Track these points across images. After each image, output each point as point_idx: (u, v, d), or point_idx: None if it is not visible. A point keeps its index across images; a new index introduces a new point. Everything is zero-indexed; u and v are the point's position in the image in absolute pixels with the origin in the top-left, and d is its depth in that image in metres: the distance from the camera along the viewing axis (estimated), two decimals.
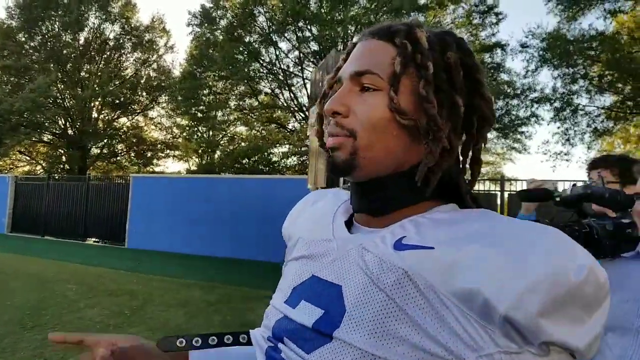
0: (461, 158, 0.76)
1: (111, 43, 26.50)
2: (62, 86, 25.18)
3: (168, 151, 28.38)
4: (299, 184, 10.97)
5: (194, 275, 9.32)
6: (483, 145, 0.76)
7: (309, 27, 20.87)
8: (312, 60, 21.27)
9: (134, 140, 27.48)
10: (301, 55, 21.74)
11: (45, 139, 25.98)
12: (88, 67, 26.25)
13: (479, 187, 11.02)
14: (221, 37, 21.29)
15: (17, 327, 5.43)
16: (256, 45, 21.64)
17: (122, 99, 26.15)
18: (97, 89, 24.36)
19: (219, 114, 24.30)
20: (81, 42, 25.70)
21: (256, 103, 23.91)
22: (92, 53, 26.04)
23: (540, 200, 1.74)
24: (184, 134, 26.28)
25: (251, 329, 0.83)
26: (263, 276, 9.46)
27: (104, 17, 25.70)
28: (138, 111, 27.75)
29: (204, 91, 22.80)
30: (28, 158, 27.41)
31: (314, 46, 21.42)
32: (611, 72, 17.09)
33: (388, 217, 0.71)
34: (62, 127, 25.75)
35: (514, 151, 22.63)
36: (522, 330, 0.53)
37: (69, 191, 16.19)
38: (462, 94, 0.69)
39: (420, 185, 0.69)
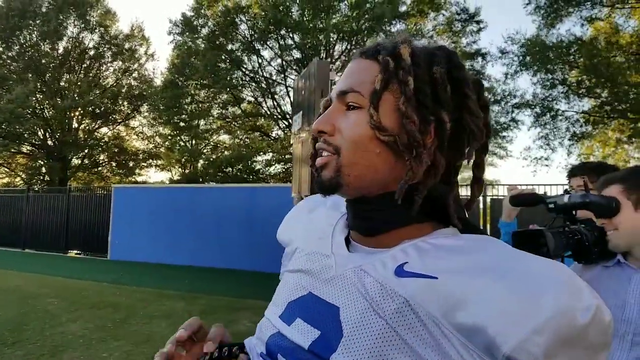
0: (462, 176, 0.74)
1: (91, 52, 26.27)
2: (41, 96, 24.84)
3: (150, 161, 28.13)
4: (282, 192, 10.97)
5: (178, 286, 9.26)
6: (480, 162, 0.74)
7: (291, 35, 20.95)
8: (294, 68, 21.33)
9: (116, 150, 27.19)
10: (284, 63, 21.80)
11: (24, 150, 25.59)
12: (67, 76, 25.94)
13: (460, 191, 11.11)
14: (203, 46, 21.25)
15: None
16: (238, 54, 21.65)
17: (102, 108, 25.90)
18: (77, 98, 24.09)
19: (202, 122, 24.20)
20: (60, 51, 25.41)
21: (239, 111, 23.88)
22: (72, 62, 25.74)
23: (530, 205, 1.74)
24: (167, 143, 26.09)
25: (237, 340, 0.82)
26: (248, 285, 9.46)
27: (82, 26, 25.46)
28: (119, 121, 27.48)
29: (186, 100, 22.68)
30: (7, 170, 26.97)
31: (297, 54, 21.50)
32: (589, 77, 17.43)
33: (384, 238, 0.70)
34: (42, 137, 25.40)
35: (495, 156, 22.88)
36: None
37: (50, 203, 15.98)
38: (449, 109, 0.67)
39: (407, 205, 0.67)
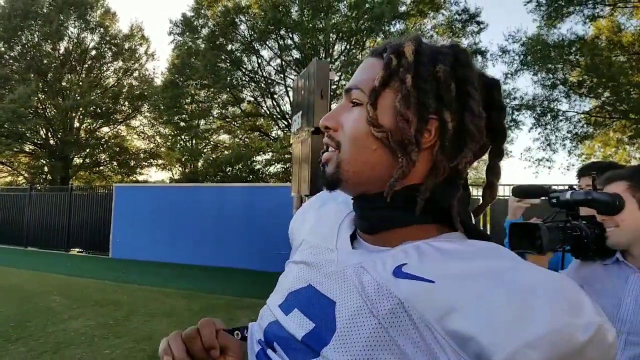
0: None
1: (92, 52, 26.34)
2: (43, 96, 24.92)
3: (151, 160, 28.23)
4: (282, 191, 11.04)
5: (178, 284, 9.33)
6: (494, 166, 0.72)
7: (290, 35, 20.98)
8: (294, 68, 21.34)
9: (117, 150, 27.26)
10: (283, 63, 21.81)
11: (26, 149, 25.68)
12: (69, 76, 26.03)
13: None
14: (203, 46, 21.28)
15: (0, 339, 5.44)
16: (238, 54, 21.68)
17: (103, 108, 25.99)
18: (78, 98, 24.18)
19: (202, 122, 24.25)
20: (61, 51, 25.50)
21: (239, 111, 23.93)
22: (73, 63, 25.82)
23: (535, 196, 1.76)
24: (167, 142, 26.17)
25: None
26: (247, 284, 9.50)
27: (83, 26, 25.53)
28: (120, 120, 27.58)
29: (186, 100, 22.73)
30: (9, 169, 27.08)
31: (296, 54, 21.52)
32: (590, 76, 17.35)
33: (386, 237, 0.69)
34: (44, 137, 25.49)
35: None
36: None
37: (52, 202, 16.05)
38: (452, 109, 0.66)
39: (408, 205, 0.67)
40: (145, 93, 25.69)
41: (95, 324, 6.23)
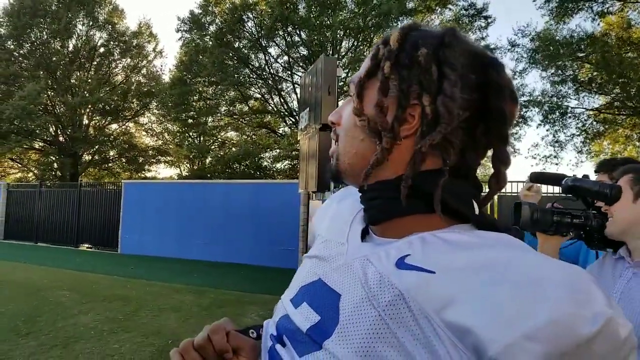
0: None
1: (100, 50, 26.47)
2: (52, 93, 25.11)
3: (159, 157, 28.39)
4: (289, 188, 11.07)
5: (186, 280, 9.39)
6: (499, 153, 0.67)
7: (297, 32, 20.96)
8: (301, 65, 21.35)
9: (125, 147, 27.43)
10: (290, 60, 21.81)
11: (36, 146, 25.90)
12: (78, 74, 26.18)
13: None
14: (210, 43, 21.31)
15: (11, 334, 5.51)
16: (245, 51, 21.70)
17: (112, 105, 26.12)
18: (87, 95, 24.31)
19: (210, 119, 24.32)
20: (70, 49, 25.65)
21: (246, 108, 23.97)
22: (82, 60, 25.97)
23: (549, 183, 1.77)
24: (175, 139, 26.27)
25: None
26: (255, 280, 9.54)
27: (91, 23, 25.67)
28: (129, 117, 27.73)
29: (194, 97, 22.81)
30: (20, 165, 27.32)
31: (303, 51, 21.49)
32: (600, 73, 17.21)
33: (391, 228, 0.68)
34: (53, 134, 25.67)
35: None
36: None
37: (61, 198, 16.21)
38: (431, 92, 0.63)
39: (407, 194, 0.64)
40: (154, 90, 25.79)
41: (105, 319, 6.29)
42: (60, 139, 25.65)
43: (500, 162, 0.66)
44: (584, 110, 18.50)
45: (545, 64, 17.68)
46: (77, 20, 25.35)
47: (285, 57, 21.98)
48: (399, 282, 0.57)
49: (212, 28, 21.79)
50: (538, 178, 1.86)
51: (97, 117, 27.04)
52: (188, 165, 27.56)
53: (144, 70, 27.71)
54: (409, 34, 0.68)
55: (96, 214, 15.28)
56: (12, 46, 24.56)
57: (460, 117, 0.62)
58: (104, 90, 25.42)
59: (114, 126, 27.99)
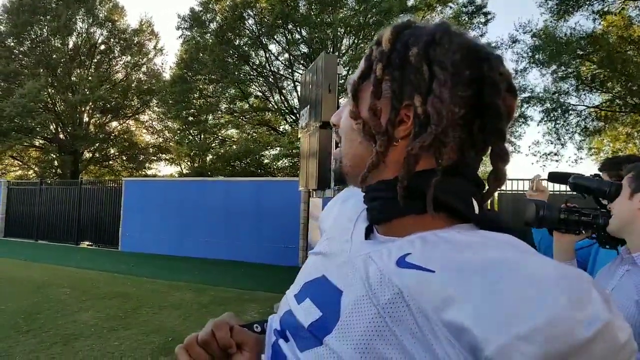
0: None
1: (101, 47, 26.48)
2: (53, 91, 25.10)
3: (160, 155, 28.41)
4: (290, 186, 11.07)
5: (187, 278, 9.39)
6: (498, 150, 0.65)
7: (298, 29, 20.96)
8: (302, 62, 21.34)
9: (126, 144, 27.47)
10: (291, 57, 21.81)
11: (37, 143, 25.93)
12: (78, 71, 26.18)
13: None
14: (211, 41, 21.30)
15: (11, 331, 5.51)
16: (246, 48, 21.69)
17: (113, 103, 26.14)
18: (87, 93, 24.29)
19: (210, 117, 24.32)
20: (70, 46, 25.66)
21: (247, 106, 23.96)
22: (82, 57, 25.98)
23: (564, 183, 1.80)
24: (176, 137, 26.26)
25: None
26: (255, 277, 9.52)
27: (91, 21, 25.66)
28: (129, 115, 27.73)
29: (195, 95, 22.79)
30: (20, 163, 27.37)
31: (304, 48, 21.49)
32: (602, 70, 17.18)
33: (394, 227, 0.68)
34: (54, 131, 25.69)
35: None
36: None
37: (62, 195, 16.21)
38: (422, 93, 0.62)
39: (405, 194, 0.64)
40: (154, 88, 25.79)
41: (105, 316, 6.30)
42: (61, 136, 25.68)
43: (499, 158, 0.65)
44: (585, 107, 18.49)
45: (547, 62, 17.64)
46: (77, 17, 25.35)
47: (286, 55, 22.00)
48: (399, 281, 0.57)
49: (213, 25, 21.77)
50: (554, 178, 1.91)
51: (98, 115, 27.05)
52: (188, 163, 27.56)
53: (144, 68, 27.75)
54: (401, 32, 0.67)
55: (97, 212, 15.29)
56: (12, 44, 24.57)
57: (456, 115, 0.62)
58: (104, 88, 25.40)
59: (115, 124, 28.06)
